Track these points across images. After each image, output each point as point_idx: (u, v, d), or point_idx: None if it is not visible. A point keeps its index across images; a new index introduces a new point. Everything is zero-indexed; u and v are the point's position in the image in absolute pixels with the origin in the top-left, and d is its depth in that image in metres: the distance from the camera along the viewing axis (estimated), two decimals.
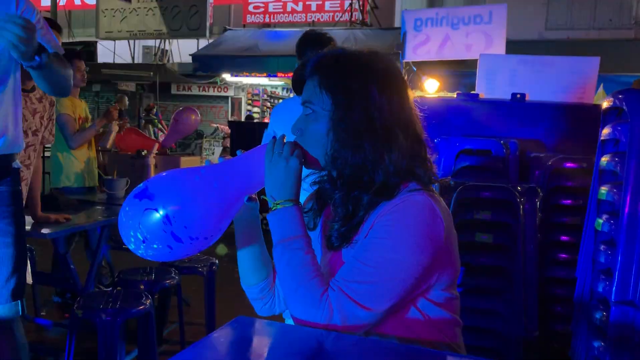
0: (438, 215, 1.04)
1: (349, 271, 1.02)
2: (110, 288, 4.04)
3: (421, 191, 1.06)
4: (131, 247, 1.08)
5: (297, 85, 1.18)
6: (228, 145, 9.82)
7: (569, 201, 2.17)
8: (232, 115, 15.99)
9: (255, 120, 13.05)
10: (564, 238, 2.16)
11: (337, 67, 1.11)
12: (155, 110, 11.49)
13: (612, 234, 1.29)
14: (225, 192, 1.08)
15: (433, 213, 1.03)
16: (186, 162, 3.79)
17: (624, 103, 1.25)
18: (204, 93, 16.09)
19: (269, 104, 15.68)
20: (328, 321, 0.97)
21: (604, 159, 1.37)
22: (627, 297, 1.20)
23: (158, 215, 1.03)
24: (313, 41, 2.84)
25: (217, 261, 3.40)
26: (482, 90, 2.68)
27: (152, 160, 3.66)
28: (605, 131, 1.38)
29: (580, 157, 2.22)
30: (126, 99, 4.07)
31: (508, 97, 2.63)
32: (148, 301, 2.61)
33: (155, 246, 1.05)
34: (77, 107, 3.58)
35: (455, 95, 2.76)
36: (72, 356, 2.58)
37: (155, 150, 3.69)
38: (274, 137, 1.11)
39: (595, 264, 1.41)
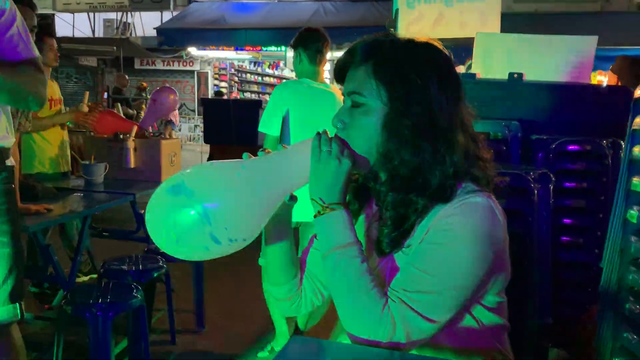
0: (497, 217, 0.98)
1: (409, 280, 0.94)
2: (90, 277, 3.92)
3: (480, 192, 0.99)
4: (161, 245, 0.97)
5: (341, 74, 1.08)
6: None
7: (573, 184, 2.16)
8: (198, 90, 15.64)
9: (224, 97, 12.78)
10: (567, 221, 2.15)
11: (395, 55, 1.01)
12: (147, 89, 10.97)
13: None
14: (268, 191, 0.99)
15: (493, 215, 0.97)
16: (167, 145, 3.64)
17: None
18: (168, 67, 15.65)
19: (236, 79, 15.37)
20: (391, 337, 0.89)
21: (637, 150, 1.33)
22: None
23: (197, 214, 0.92)
24: (311, 37, 2.79)
25: None
26: (479, 69, 2.62)
27: (131, 144, 3.50)
28: (638, 120, 1.34)
29: (582, 139, 2.20)
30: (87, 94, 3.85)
31: (505, 76, 2.59)
32: (139, 293, 2.51)
33: (190, 247, 0.95)
34: (49, 89, 3.37)
35: None
36: (61, 354, 2.48)
37: (134, 133, 3.52)
38: (319, 133, 1.01)
39: (624, 255, 1.39)
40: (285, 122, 2.77)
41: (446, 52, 1.06)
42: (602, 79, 5.27)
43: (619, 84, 3.93)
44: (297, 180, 1.02)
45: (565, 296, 2.09)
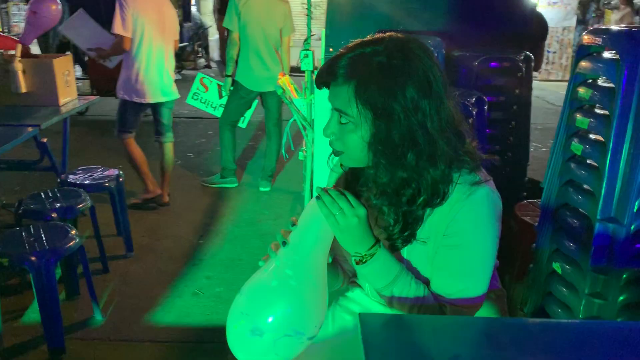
0: (498, 194, 1.08)
1: (449, 284, 1.07)
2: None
3: (481, 182, 1.05)
4: None
5: (322, 84, 1.08)
6: None
7: (493, 98, 2.39)
8: None
9: None
10: (488, 131, 2.41)
11: (376, 75, 1.00)
12: None
13: (591, 158, 1.51)
14: (316, 279, 1.07)
15: (496, 196, 1.07)
16: (60, 63, 3.28)
17: (618, 47, 1.39)
18: None
19: None
20: None
21: (582, 90, 1.53)
22: (609, 214, 1.45)
23: (287, 338, 1.03)
24: None
25: (122, 172, 3.19)
26: None
27: (18, 66, 3.11)
28: (585, 65, 1.53)
29: (501, 56, 2.41)
30: None
31: None
32: (75, 234, 2.42)
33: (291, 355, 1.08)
34: None
35: None
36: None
37: (19, 53, 3.11)
38: (318, 198, 1.04)
39: (562, 177, 1.65)
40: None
41: (428, 50, 1.05)
42: None
43: None
44: (327, 247, 1.07)
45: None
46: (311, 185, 3.33)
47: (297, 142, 4.40)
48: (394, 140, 1.01)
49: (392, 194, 1.05)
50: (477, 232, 1.05)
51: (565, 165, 1.63)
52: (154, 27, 3.58)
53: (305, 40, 3.04)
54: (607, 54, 1.47)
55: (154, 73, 3.64)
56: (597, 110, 1.51)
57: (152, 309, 2.69)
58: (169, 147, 3.95)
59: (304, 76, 3.08)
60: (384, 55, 1.01)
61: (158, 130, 3.90)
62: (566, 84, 1.64)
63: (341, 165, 1.21)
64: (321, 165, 3.06)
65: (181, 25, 10.51)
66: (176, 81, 3.92)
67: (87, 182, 3.02)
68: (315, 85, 1.12)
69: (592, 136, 1.51)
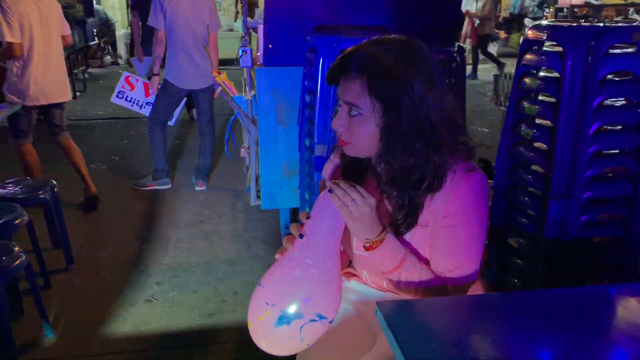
0: (487, 180, 1.20)
1: (449, 261, 1.17)
2: None
3: (474, 168, 1.18)
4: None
5: (334, 79, 1.15)
6: None
7: None
8: None
9: None
10: None
11: (387, 70, 1.10)
12: None
13: (540, 141, 1.66)
14: (333, 265, 1.15)
15: (486, 181, 1.19)
16: None
17: (561, 41, 1.54)
18: None
19: None
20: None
21: (529, 80, 1.68)
22: (562, 191, 1.61)
23: (316, 322, 1.12)
24: None
25: (56, 183, 3.04)
26: None
27: None
28: (530, 57, 1.67)
29: (438, 48, 2.54)
30: None
31: None
32: (17, 249, 2.31)
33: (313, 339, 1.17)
34: None
35: None
36: None
37: None
38: (330, 191, 1.11)
39: (512, 159, 1.80)
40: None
41: (428, 50, 1.16)
42: None
43: None
44: (340, 235, 1.16)
45: None
46: (257, 182, 3.35)
47: (222, 138, 4.39)
48: (405, 130, 1.10)
49: (401, 180, 1.14)
50: (473, 212, 1.16)
51: (515, 149, 1.78)
52: (38, 26, 3.46)
53: (243, 37, 3.04)
54: (549, 47, 1.62)
55: (44, 74, 3.52)
56: (543, 98, 1.66)
57: (105, 320, 2.61)
58: (69, 142, 3.82)
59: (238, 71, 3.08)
60: (393, 53, 1.11)
61: (53, 132, 3.77)
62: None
63: (341, 156, 1.27)
64: (267, 161, 3.09)
65: (84, 22, 10.02)
66: (84, 80, 3.77)
67: (21, 195, 2.86)
68: (328, 80, 1.18)
69: (540, 121, 1.67)
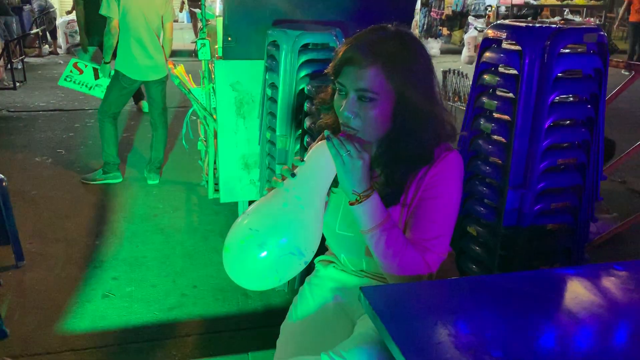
0: (462, 160, 1.28)
1: (426, 230, 1.22)
2: None
3: (451, 148, 1.26)
4: (265, 287, 1.19)
5: (341, 69, 1.19)
6: None
7: None
8: None
9: None
10: None
11: (399, 54, 1.16)
12: None
13: (498, 134, 1.76)
14: (317, 205, 1.17)
15: (461, 161, 1.27)
16: None
17: (520, 40, 1.63)
18: None
19: None
20: (429, 272, 1.21)
21: (488, 77, 1.77)
22: (519, 182, 1.72)
23: (288, 254, 1.13)
24: None
25: (4, 177, 2.92)
26: None
27: None
28: (489, 55, 1.76)
29: None
30: None
31: None
32: None
33: (289, 276, 1.18)
34: None
35: None
36: None
37: None
38: (329, 138, 1.15)
39: (471, 152, 1.89)
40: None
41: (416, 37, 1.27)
42: None
43: None
44: (329, 183, 1.20)
45: None
46: (214, 175, 3.33)
47: (176, 130, 4.30)
48: (417, 109, 1.18)
49: (404, 156, 1.21)
50: (450, 186, 1.24)
51: (474, 141, 1.87)
52: None
53: (201, 29, 3.01)
54: (507, 45, 1.72)
55: None
56: (502, 94, 1.76)
57: (61, 317, 2.55)
58: None
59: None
60: (396, 40, 1.18)
61: None
62: None
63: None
64: (225, 154, 3.08)
65: (20, 9, 9.56)
66: (23, 70, 3.62)
67: None
68: (333, 72, 1.22)
69: (498, 116, 1.76)
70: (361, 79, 1.17)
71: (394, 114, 1.19)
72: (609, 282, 1.10)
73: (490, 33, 1.75)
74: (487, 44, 1.78)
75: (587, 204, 1.79)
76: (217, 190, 3.31)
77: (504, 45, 1.72)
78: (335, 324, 1.36)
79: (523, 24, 1.70)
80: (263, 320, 2.60)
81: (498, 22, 1.82)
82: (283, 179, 1.17)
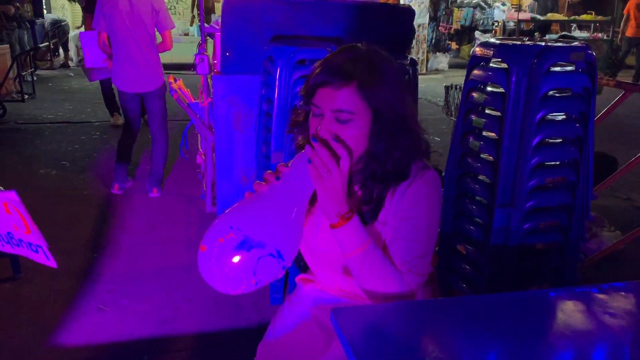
0: (440, 180, 1.28)
1: (407, 251, 1.21)
2: None
3: (428, 167, 1.26)
4: (238, 292, 1.11)
5: (314, 91, 1.18)
6: None
7: None
8: None
9: None
10: None
11: (372, 73, 1.16)
12: None
13: (486, 152, 1.75)
14: (302, 210, 1.16)
15: (439, 180, 1.27)
16: None
17: (507, 59, 1.63)
18: None
19: None
20: (412, 293, 1.20)
21: (476, 95, 1.76)
22: (506, 200, 1.70)
23: (274, 259, 1.09)
24: None
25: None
26: None
27: None
28: (477, 73, 1.76)
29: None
30: None
31: None
32: None
33: (267, 279, 1.12)
34: None
35: None
36: None
37: None
38: (310, 148, 1.13)
39: (460, 168, 1.88)
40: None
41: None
42: None
43: None
44: (311, 189, 1.18)
45: None
46: (213, 189, 3.34)
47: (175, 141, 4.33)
48: (393, 127, 1.18)
49: (380, 174, 1.20)
50: (432, 206, 1.23)
51: (463, 159, 1.86)
52: None
53: (199, 43, 3.04)
54: (495, 64, 1.71)
55: None
56: (490, 112, 1.75)
57: (55, 331, 2.55)
58: None
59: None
60: (369, 59, 1.18)
61: None
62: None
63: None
64: (223, 168, 3.09)
65: (33, 22, 9.72)
66: (32, 82, 3.67)
67: None
68: (307, 94, 1.20)
69: (486, 133, 1.75)
70: (336, 99, 1.16)
71: (370, 132, 1.18)
72: (597, 305, 1.08)
73: (478, 51, 1.75)
74: (475, 61, 1.78)
75: (578, 223, 1.77)
76: (215, 204, 3.32)
77: (492, 63, 1.72)
78: (311, 342, 1.35)
79: (510, 42, 1.69)
80: (257, 335, 2.57)
81: (486, 40, 1.82)
82: (267, 182, 1.15)
